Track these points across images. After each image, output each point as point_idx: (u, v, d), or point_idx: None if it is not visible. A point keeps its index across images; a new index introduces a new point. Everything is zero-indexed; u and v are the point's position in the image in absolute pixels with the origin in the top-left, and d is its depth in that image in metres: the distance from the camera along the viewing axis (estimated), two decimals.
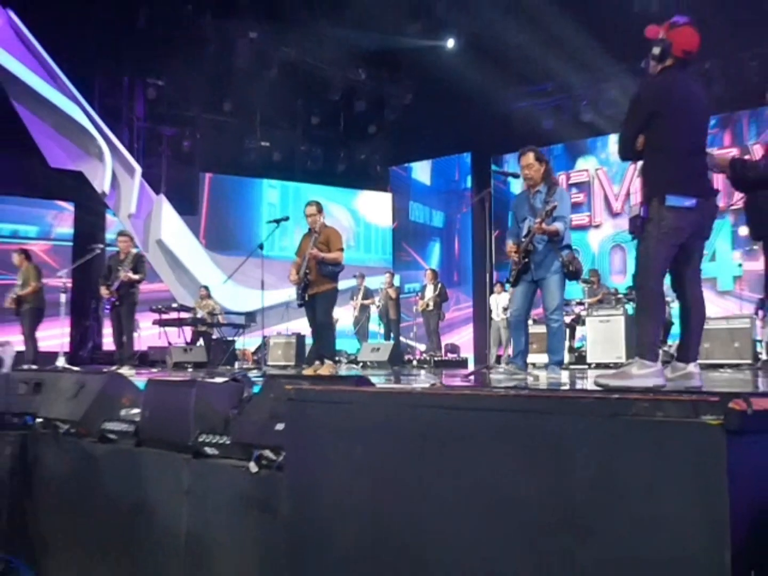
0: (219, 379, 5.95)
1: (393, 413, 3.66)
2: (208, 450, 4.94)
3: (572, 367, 11.72)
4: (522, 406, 3.08)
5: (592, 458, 2.70)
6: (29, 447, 6.43)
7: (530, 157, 6.49)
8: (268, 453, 4.38)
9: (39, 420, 6.45)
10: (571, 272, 6.50)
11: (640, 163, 4.34)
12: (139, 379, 6.76)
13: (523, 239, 6.31)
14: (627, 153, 4.29)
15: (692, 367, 4.06)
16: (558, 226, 6.19)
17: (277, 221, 8.56)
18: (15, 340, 13.15)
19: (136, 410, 5.80)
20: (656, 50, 4.20)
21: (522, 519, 2.89)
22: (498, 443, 3.02)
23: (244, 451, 4.59)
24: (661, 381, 3.78)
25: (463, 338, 18.50)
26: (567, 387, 5.99)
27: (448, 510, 3.17)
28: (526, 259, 6.26)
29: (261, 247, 8.35)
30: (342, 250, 8.20)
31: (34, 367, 10.56)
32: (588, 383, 6.44)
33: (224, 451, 4.83)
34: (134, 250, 10.70)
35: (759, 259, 9.99)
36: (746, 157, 4.25)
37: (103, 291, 10.29)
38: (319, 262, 7.96)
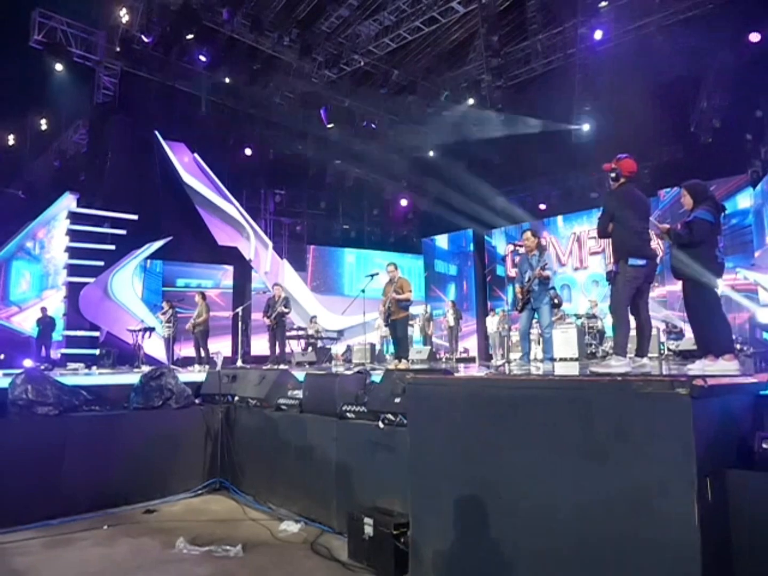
0: (350, 372, 6.01)
1: (469, 390, 3.66)
2: (349, 414, 4.98)
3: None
4: (562, 384, 3.16)
5: (608, 413, 2.74)
6: (231, 413, 6.40)
7: (528, 234, 6.45)
8: (389, 416, 4.46)
9: (237, 398, 6.47)
10: (555, 304, 6.50)
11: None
12: (298, 372, 6.70)
13: (525, 284, 6.22)
14: (603, 234, 4.28)
15: (645, 360, 4.11)
16: (548, 273, 6.13)
17: (371, 275, 8.34)
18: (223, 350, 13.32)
19: (298, 392, 5.82)
20: (613, 175, 4.25)
21: (562, 451, 2.88)
22: (545, 408, 3.00)
23: (374, 415, 4.64)
24: (629, 368, 3.82)
25: (470, 344, 18.39)
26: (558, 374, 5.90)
27: (512, 448, 3.13)
28: (528, 296, 6.19)
29: (363, 291, 8.30)
30: (411, 292, 8.01)
31: (206, 366, 10.34)
32: (573, 370, 6.33)
33: (359, 415, 4.87)
34: (283, 294, 10.49)
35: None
36: (673, 225, 4.06)
37: (265, 320, 10.12)
38: (397, 300, 7.85)
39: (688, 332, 11.26)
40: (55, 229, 15.38)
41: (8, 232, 16.19)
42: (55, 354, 13.75)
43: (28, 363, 11.25)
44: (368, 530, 4.05)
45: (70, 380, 6.34)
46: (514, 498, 3.11)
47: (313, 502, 5.13)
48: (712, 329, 3.98)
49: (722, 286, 4.14)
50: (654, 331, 10.80)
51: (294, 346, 14.30)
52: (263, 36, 14.25)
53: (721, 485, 2.55)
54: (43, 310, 13.82)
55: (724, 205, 4.23)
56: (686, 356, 9.76)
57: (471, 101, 15.94)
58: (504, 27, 13.71)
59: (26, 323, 15.08)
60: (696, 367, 3.85)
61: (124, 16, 13.37)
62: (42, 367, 8.67)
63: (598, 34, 12.81)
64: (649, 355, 4.90)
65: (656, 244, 4.38)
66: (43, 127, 15.82)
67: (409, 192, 20.09)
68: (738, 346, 9.77)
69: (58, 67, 13.60)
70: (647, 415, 2.60)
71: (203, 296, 12.00)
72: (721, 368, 3.77)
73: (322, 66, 15.46)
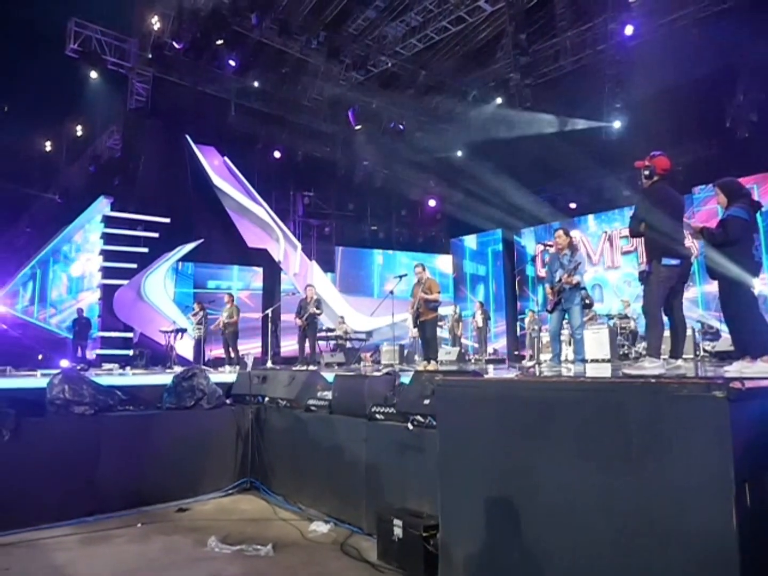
0: (378, 374, 6.01)
1: (499, 392, 3.62)
2: (378, 416, 4.97)
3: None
4: (594, 387, 3.09)
5: (641, 417, 2.67)
6: (261, 414, 6.44)
7: (560, 232, 6.37)
8: (419, 418, 4.44)
9: (267, 398, 6.52)
10: (587, 304, 6.40)
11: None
12: (327, 373, 6.74)
13: (556, 284, 6.14)
14: (635, 234, 4.21)
15: (680, 362, 4.02)
16: (578, 278, 6.05)
17: (400, 277, 8.38)
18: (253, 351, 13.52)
19: (328, 392, 5.83)
20: (647, 172, 4.17)
21: (595, 455, 2.83)
22: (577, 410, 2.95)
23: (403, 417, 4.62)
24: (663, 370, 3.75)
25: (499, 344, 18.23)
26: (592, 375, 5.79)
27: (542, 451, 3.09)
28: (559, 296, 6.10)
29: (392, 292, 8.30)
30: (439, 293, 8.03)
31: (236, 366, 10.55)
32: (605, 372, 6.19)
33: (388, 417, 4.85)
34: (315, 296, 10.50)
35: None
36: (708, 224, 4.02)
37: (297, 321, 10.12)
38: (425, 301, 7.85)
39: (725, 333, 10.98)
40: (90, 233, 15.77)
41: (46, 236, 16.66)
42: (91, 354, 14.09)
43: (64, 363, 11.53)
44: (398, 532, 4.05)
45: (105, 380, 6.47)
46: (545, 501, 3.07)
47: (343, 503, 5.14)
48: (749, 330, 3.88)
49: (760, 285, 4.04)
50: (689, 332, 10.59)
51: (322, 347, 14.38)
52: (291, 39, 14.37)
53: (760, 490, 2.47)
54: (79, 311, 14.17)
55: (760, 203, 4.12)
56: (722, 357, 9.52)
57: (499, 100, 15.81)
58: (532, 25, 13.54)
59: (63, 324, 15.49)
60: (733, 369, 3.76)
61: (155, 23, 13.64)
62: (78, 368, 8.87)
63: (628, 30, 12.56)
64: (684, 356, 4.79)
65: (690, 242, 4.27)
66: (79, 133, 16.23)
67: (437, 191, 20.03)
68: None
69: (93, 74, 13.96)
70: (682, 419, 2.54)
71: (233, 298, 12.16)
72: (760, 370, 3.66)
73: (350, 68, 15.51)
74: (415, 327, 8.14)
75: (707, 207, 13.82)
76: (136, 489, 5.62)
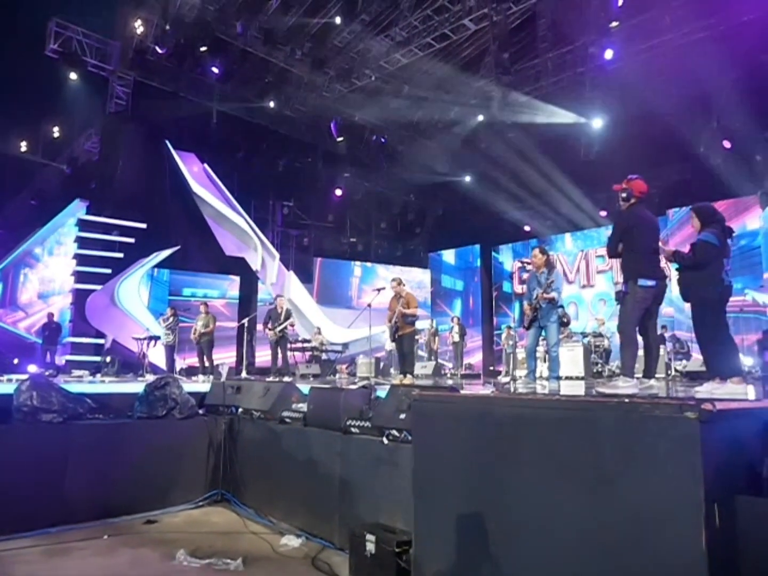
0: (354, 387, 5.98)
1: (474, 408, 3.64)
2: (353, 429, 4.94)
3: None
4: (568, 405, 3.13)
5: (614, 436, 2.71)
6: (235, 425, 6.36)
7: (536, 251, 6.42)
8: (394, 432, 4.44)
9: (240, 409, 6.46)
10: (564, 322, 6.47)
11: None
12: (302, 385, 6.69)
13: (533, 301, 6.19)
14: (612, 254, 4.27)
15: (652, 382, 4.09)
16: (554, 294, 6.10)
17: (378, 290, 8.35)
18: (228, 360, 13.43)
19: (303, 405, 5.79)
20: (624, 195, 4.26)
21: (568, 473, 2.85)
22: (551, 428, 2.97)
23: (378, 431, 4.61)
24: (636, 390, 3.80)
25: (475, 359, 18.30)
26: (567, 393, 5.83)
27: (516, 469, 3.10)
28: (536, 313, 6.15)
29: (369, 305, 8.29)
30: (417, 307, 8.01)
31: (210, 376, 10.20)
32: (579, 390, 6.27)
33: (364, 431, 4.83)
34: (286, 306, 10.44)
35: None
36: (680, 247, 4.15)
37: (267, 332, 10.05)
38: (403, 315, 7.84)
39: (695, 353, 11.20)
40: (63, 236, 15.47)
41: (17, 238, 16.30)
42: (60, 360, 13.78)
43: (32, 368, 11.26)
44: (370, 547, 4.01)
45: (74, 387, 6.34)
46: (518, 518, 3.08)
47: (315, 517, 5.09)
48: (719, 351, 3.97)
49: (730, 308, 4.12)
50: (661, 352, 10.77)
51: (297, 358, 14.28)
52: (276, 49, 14.38)
53: (729, 511, 2.51)
54: (50, 316, 13.86)
55: (732, 228, 4.23)
56: (693, 377, 9.70)
57: (480, 117, 16.01)
58: (514, 45, 13.78)
59: (32, 329, 15.14)
60: (704, 390, 3.84)
61: (138, 27, 13.56)
62: (47, 373, 8.68)
63: (608, 54, 12.83)
64: (656, 375, 4.87)
65: (665, 264, 4.36)
66: (56, 134, 16.00)
67: (418, 206, 20.13)
68: (746, 369, 9.70)
69: (73, 76, 13.81)
70: (654, 439, 2.57)
71: (208, 307, 12.04)
72: (729, 391, 3.74)
73: (333, 80, 15.58)
74: (393, 341, 8.14)
75: (681, 230, 14.13)
76: (104, 500, 5.50)
